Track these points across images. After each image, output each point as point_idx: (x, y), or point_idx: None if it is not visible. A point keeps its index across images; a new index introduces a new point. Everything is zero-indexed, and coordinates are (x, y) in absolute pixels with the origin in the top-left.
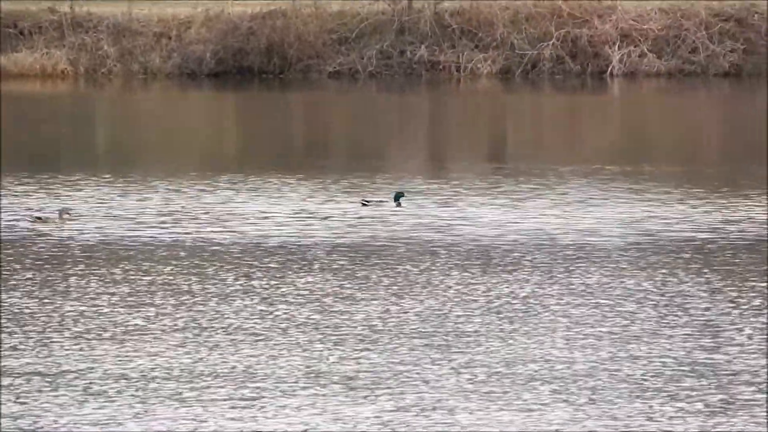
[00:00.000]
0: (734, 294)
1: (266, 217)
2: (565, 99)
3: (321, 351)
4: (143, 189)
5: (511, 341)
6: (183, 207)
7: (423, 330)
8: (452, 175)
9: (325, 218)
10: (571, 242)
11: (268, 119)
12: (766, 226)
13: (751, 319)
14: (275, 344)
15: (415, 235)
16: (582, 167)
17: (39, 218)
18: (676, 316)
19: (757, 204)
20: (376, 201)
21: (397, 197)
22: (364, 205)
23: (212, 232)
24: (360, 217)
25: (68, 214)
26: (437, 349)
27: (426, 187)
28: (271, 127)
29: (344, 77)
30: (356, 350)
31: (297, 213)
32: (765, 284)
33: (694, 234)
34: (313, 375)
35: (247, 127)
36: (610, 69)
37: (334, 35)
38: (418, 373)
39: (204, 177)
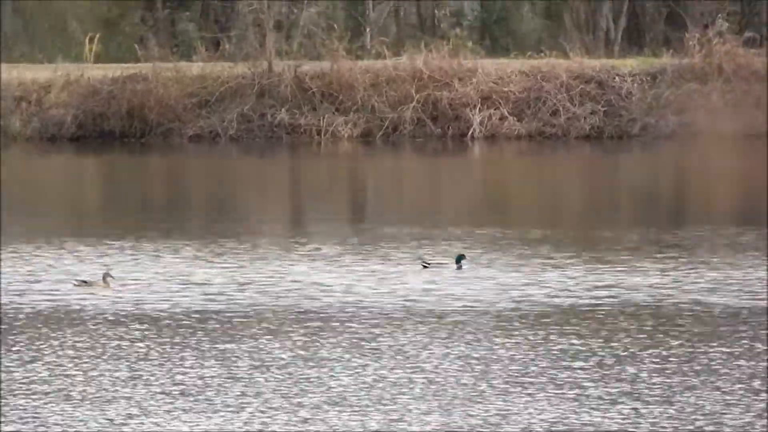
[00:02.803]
0: (646, 358)
1: (137, 282)
2: (427, 162)
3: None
4: (6, 256)
5: (449, 408)
6: (47, 272)
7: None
8: (313, 240)
9: (203, 284)
10: (450, 309)
11: (128, 183)
12: (636, 290)
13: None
14: (229, 410)
15: (284, 302)
16: (446, 231)
17: (84, 282)
18: (603, 381)
19: (624, 268)
20: (437, 263)
21: (459, 259)
22: (424, 267)
23: (83, 298)
24: (235, 283)
25: (111, 277)
26: (370, 414)
27: (287, 252)
28: (132, 192)
29: (205, 141)
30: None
31: (167, 279)
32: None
33: (573, 299)
34: None
35: (108, 192)
36: (471, 132)
37: (194, 99)
38: None
39: (66, 242)
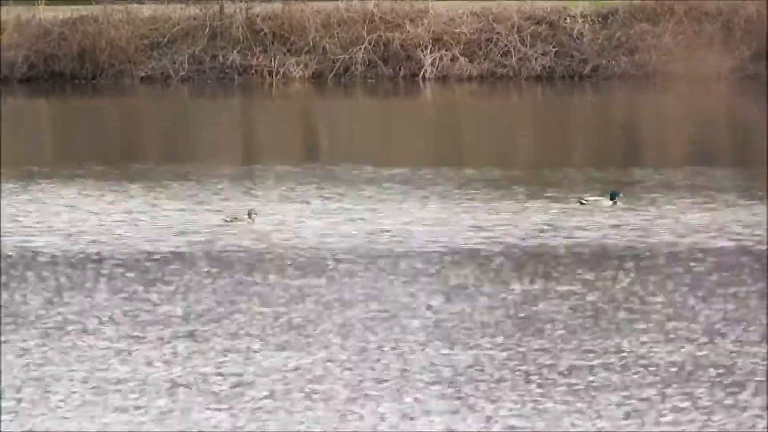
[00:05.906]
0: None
1: (101, 224)
2: (378, 103)
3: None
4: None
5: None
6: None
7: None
8: (266, 180)
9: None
10: (411, 249)
11: (80, 125)
12: (585, 231)
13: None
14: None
15: (243, 243)
16: (397, 171)
17: (236, 218)
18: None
19: (572, 208)
20: (594, 200)
21: (613, 195)
22: (581, 204)
23: (48, 241)
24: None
25: (256, 213)
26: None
27: (242, 192)
28: (83, 133)
29: (156, 82)
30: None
31: (121, 220)
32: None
33: (519, 240)
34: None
35: (59, 133)
36: (422, 73)
37: (145, 40)
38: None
39: (18, 184)
